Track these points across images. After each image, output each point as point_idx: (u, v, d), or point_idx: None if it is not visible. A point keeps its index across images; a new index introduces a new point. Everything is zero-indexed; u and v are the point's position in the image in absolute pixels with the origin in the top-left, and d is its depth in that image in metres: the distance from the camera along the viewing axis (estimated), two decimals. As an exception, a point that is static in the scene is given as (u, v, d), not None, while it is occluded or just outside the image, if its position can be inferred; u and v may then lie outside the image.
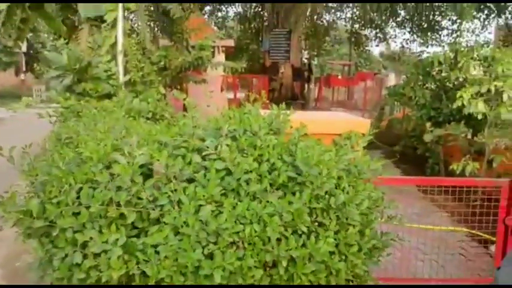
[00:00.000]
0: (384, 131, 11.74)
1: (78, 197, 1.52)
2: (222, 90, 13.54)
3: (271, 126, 2.06)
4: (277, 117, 2.18)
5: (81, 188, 1.53)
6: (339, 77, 13.89)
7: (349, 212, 1.62)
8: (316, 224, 1.63)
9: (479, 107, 6.05)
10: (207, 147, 1.71)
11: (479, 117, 6.18)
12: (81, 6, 7.49)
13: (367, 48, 18.64)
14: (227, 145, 1.69)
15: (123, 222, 1.48)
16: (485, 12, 16.84)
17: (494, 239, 5.07)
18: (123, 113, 4.13)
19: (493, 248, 5.07)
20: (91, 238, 1.41)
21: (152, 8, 10.10)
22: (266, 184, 1.62)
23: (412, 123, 9.41)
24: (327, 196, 1.66)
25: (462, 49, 7.46)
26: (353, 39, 17.57)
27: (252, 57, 17.84)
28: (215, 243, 1.42)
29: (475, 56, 7.10)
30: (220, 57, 15.08)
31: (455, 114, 7.51)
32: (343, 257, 1.59)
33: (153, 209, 1.48)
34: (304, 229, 1.56)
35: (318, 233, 1.60)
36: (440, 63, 7.32)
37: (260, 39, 17.38)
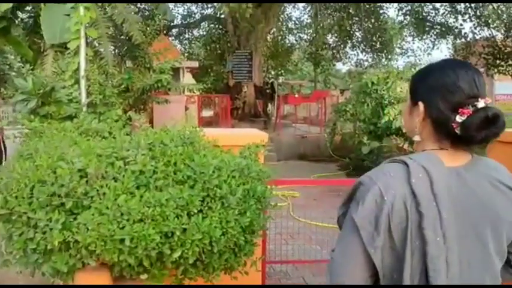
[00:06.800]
0: (339, 145, 12.60)
1: (31, 192, 2.15)
2: (186, 109, 14.11)
3: (184, 139, 2.74)
4: (191, 133, 2.88)
5: (33, 186, 2.16)
6: (296, 95, 14.81)
7: (229, 199, 2.31)
8: (207, 208, 2.32)
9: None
10: (129, 156, 2.38)
11: (404, 130, 7.07)
12: (46, 33, 7.97)
13: (326, 67, 19.83)
14: (143, 154, 2.36)
15: (63, 209, 2.12)
16: (434, 33, 18.28)
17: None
18: (81, 133, 4.70)
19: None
20: (39, 219, 2.05)
21: (115, 33, 10.66)
22: (170, 180, 2.30)
23: (360, 137, 10.25)
24: (215, 188, 2.34)
25: (394, 71, 8.40)
26: (312, 60, 18.70)
27: (216, 77, 18.61)
28: (127, 220, 2.08)
29: (404, 77, 8.04)
30: (185, 78, 15.77)
31: (391, 128, 8.36)
32: (224, 230, 2.27)
33: (85, 199, 2.14)
34: (195, 211, 2.24)
35: (207, 213, 2.28)
36: (373, 83, 8.27)
37: (224, 60, 18.20)
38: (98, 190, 2.17)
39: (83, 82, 7.02)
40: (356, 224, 1.04)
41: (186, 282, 2.47)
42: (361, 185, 1.09)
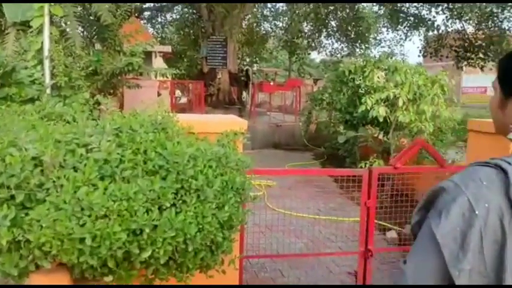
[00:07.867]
0: (313, 134, 12.51)
1: (-26, 184, 1.85)
2: (159, 95, 13.72)
3: (156, 125, 2.48)
4: (164, 118, 2.61)
5: (-24, 176, 1.86)
6: (271, 83, 14.62)
7: (206, 192, 2.07)
8: (181, 201, 2.07)
9: (381, 111, 6.83)
10: (92, 142, 2.10)
11: (381, 120, 6.98)
12: (7, 11, 7.43)
13: (301, 56, 19.70)
14: (108, 140, 2.08)
15: (13, 202, 1.83)
16: (407, 24, 18.42)
17: (390, 226, 5.80)
18: (42, 116, 4.33)
19: (389, 234, 5.79)
20: (-18, 215, 1.75)
21: (83, 13, 10.13)
22: (139, 171, 2.04)
23: (335, 126, 10.15)
24: (190, 180, 2.10)
25: (371, 60, 8.28)
26: (287, 48, 18.52)
27: (190, 63, 18.15)
28: (89, 216, 1.81)
29: (381, 66, 7.92)
30: (158, 62, 15.27)
31: (367, 117, 8.25)
32: (200, 226, 2.04)
33: (39, 192, 1.85)
34: (168, 205, 1.99)
35: (181, 208, 2.04)
36: (350, 72, 8.13)
37: (198, 45, 17.77)
38: (54, 181, 1.89)
39: (46, 63, 6.57)
40: (437, 240, 0.88)
41: (157, 282, 2.23)
42: (443, 192, 0.92)
